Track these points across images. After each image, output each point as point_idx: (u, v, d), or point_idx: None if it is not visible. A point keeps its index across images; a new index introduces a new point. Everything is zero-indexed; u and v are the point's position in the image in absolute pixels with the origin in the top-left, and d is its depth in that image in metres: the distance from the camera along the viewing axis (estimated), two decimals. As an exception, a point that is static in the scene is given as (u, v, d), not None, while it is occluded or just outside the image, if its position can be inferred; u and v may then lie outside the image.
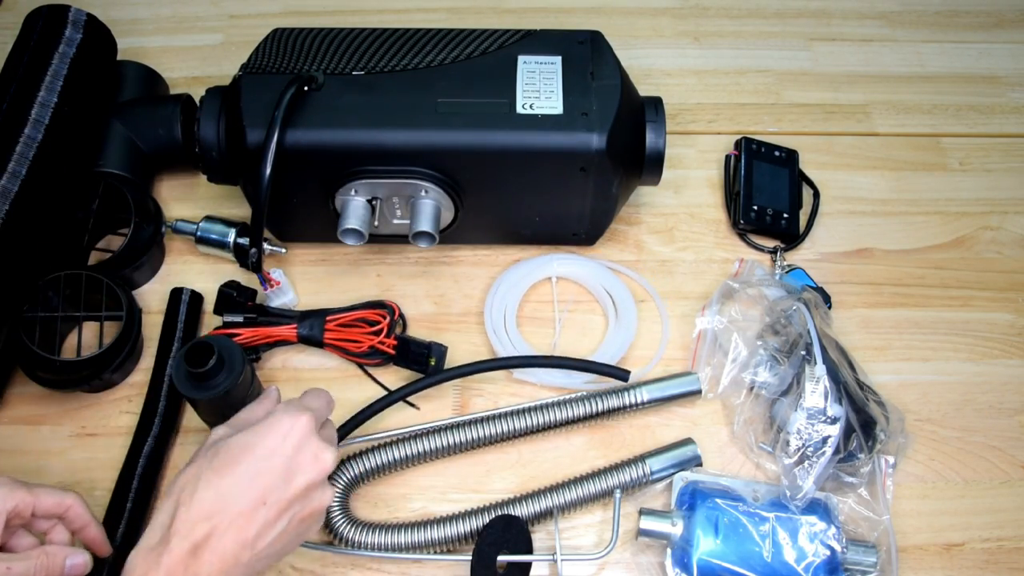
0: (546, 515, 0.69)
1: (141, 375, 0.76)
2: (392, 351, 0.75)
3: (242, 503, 0.50)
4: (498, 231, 0.82)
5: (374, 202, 0.74)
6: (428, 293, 0.81)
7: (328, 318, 0.76)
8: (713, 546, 0.65)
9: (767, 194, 0.85)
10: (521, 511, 0.68)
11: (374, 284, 0.82)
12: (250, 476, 0.51)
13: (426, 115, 0.71)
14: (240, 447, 0.52)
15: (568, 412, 0.72)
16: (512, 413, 0.72)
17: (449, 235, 0.78)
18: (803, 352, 0.71)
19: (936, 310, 0.82)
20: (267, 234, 0.79)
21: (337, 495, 0.68)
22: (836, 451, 0.67)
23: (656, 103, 0.77)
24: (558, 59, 0.75)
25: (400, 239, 0.77)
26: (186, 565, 0.48)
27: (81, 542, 0.60)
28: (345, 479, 0.69)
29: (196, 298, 0.79)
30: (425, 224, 0.73)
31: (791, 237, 0.85)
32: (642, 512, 0.67)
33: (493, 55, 0.75)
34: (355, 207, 0.73)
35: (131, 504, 0.68)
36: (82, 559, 0.56)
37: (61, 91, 0.76)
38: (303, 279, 0.82)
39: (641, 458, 0.71)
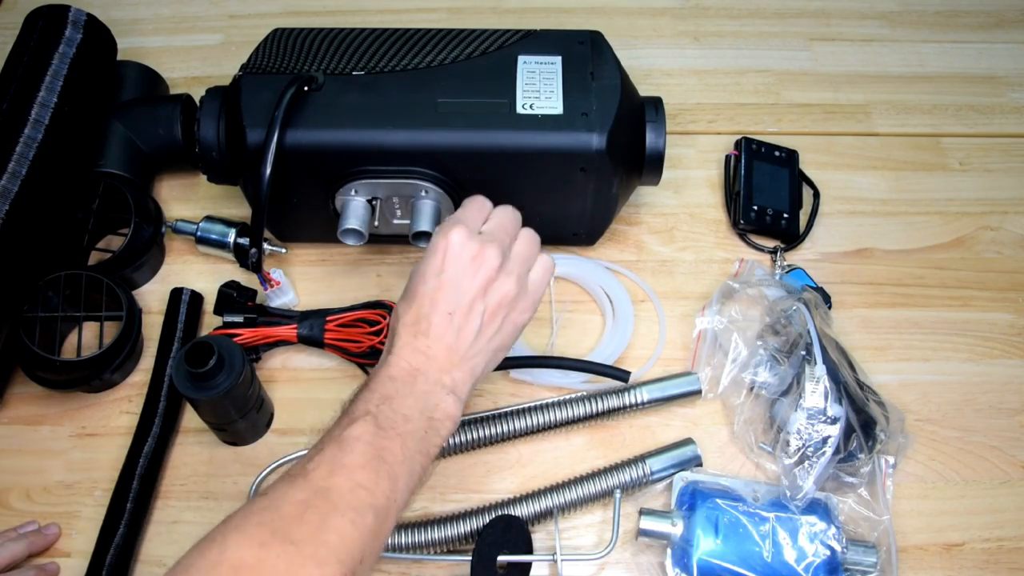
0: (546, 515, 0.69)
1: (141, 375, 0.76)
2: (392, 351, 0.75)
3: (441, 296, 0.60)
4: (498, 231, 0.82)
5: (374, 202, 0.74)
6: (428, 293, 0.81)
7: (328, 318, 0.75)
8: (713, 546, 0.65)
9: (767, 194, 0.85)
10: (521, 511, 0.68)
11: (374, 284, 0.82)
12: (435, 280, 0.60)
13: (426, 115, 0.71)
14: (414, 277, 0.62)
15: (568, 412, 0.72)
16: (512, 413, 0.72)
17: (449, 235, 0.78)
18: (803, 352, 0.71)
19: (936, 310, 0.82)
20: (267, 234, 0.79)
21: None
22: (836, 451, 0.67)
23: (656, 103, 0.77)
24: (558, 59, 0.75)
25: (400, 239, 0.77)
26: (415, 325, 0.59)
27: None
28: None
29: (196, 298, 0.79)
30: (425, 224, 0.73)
31: (791, 237, 0.85)
32: (642, 512, 0.67)
33: (493, 55, 0.75)
34: (355, 207, 0.73)
35: (131, 504, 0.68)
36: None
37: (61, 91, 0.76)
38: (303, 279, 0.82)
39: (641, 458, 0.71)
